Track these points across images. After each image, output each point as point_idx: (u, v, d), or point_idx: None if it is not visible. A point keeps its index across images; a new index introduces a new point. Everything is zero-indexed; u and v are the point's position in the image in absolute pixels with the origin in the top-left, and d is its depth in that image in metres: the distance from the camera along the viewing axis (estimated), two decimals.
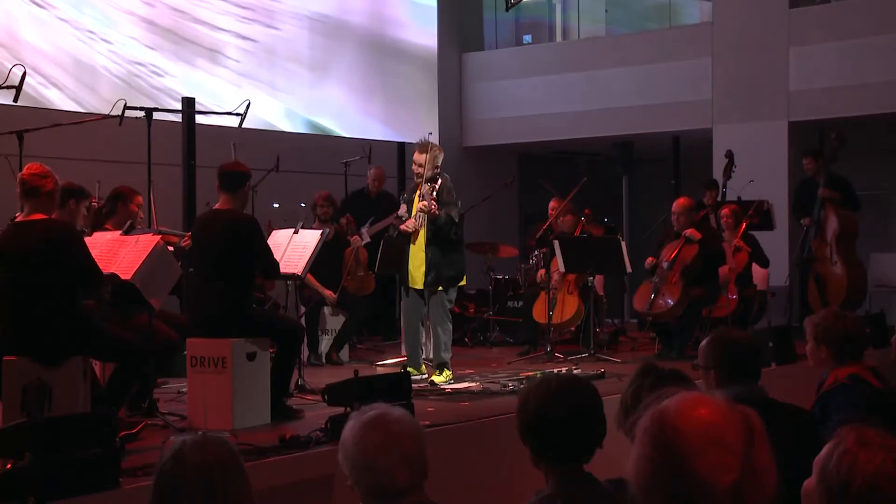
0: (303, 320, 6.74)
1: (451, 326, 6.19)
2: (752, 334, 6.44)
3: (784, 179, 10.12)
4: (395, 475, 2.12)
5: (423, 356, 7.35)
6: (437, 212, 5.90)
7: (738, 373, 3.09)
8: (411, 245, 6.08)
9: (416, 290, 6.11)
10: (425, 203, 5.91)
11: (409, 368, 6.03)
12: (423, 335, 6.42)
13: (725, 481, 1.39)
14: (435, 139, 11.93)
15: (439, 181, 6.02)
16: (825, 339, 3.61)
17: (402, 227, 6.09)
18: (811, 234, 8.12)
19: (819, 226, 8.03)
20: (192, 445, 1.89)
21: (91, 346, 4.32)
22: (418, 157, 6.08)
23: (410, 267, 6.09)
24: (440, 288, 6.04)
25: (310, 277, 6.91)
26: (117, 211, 5.40)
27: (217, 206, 5.06)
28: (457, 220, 6.00)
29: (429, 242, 5.98)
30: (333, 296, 7.26)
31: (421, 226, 6.02)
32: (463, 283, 6.36)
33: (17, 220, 4.47)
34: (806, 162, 8.38)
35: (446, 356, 6.12)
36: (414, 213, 6.04)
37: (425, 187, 6.00)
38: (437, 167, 6.07)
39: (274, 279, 5.13)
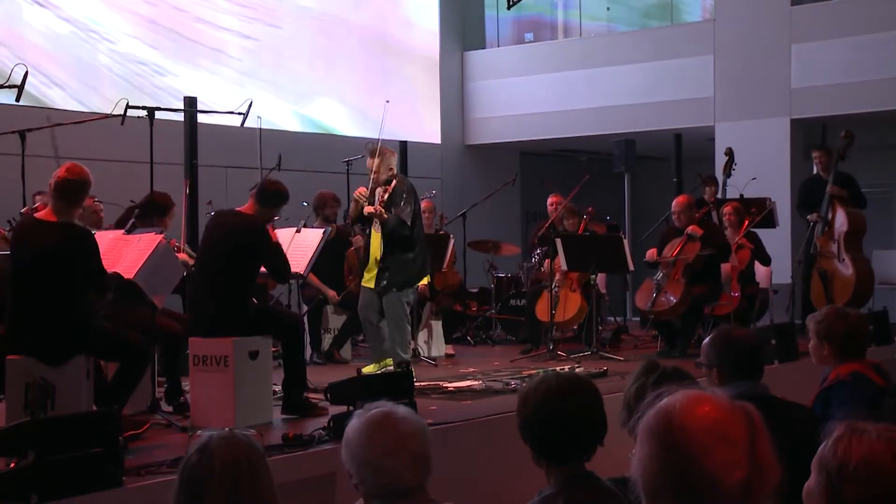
0: (305, 319, 6.73)
1: (409, 327, 6.24)
2: (755, 332, 6.44)
3: (786, 177, 10.10)
4: (401, 476, 2.12)
5: (426, 354, 7.37)
6: (385, 216, 5.91)
7: (741, 371, 3.09)
8: (370, 246, 6.12)
9: (369, 289, 6.14)
10: (372, 208, 5.92)
11: (365, 369, 6.03)
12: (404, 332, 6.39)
13: (735, 478, 1.39)
14: (437, 138, 12.08)
15: (393, 183, 6.03)
16: (827, 337, 3.61)
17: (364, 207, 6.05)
18: (817, 231, 8.10)
19: (827, 223, 8.02)
20: (218, 440, 1.90)
21: (93, 345, 4.32)
22: (370, 163, 6.11)
23: (370, 268, 6.13)
24: (393, 289, 6.09)
25: (312, 276, 6.90)
26: (153, 221, 5.30)
27: (240, 208, 5.07)
28: (408, 222, 6.02)
29: (385, 246, 6.01)
30: (336, 297, 7.24)
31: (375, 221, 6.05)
32: (425, 281, 6.35)
33: (37, 216, 4.45)
34: (818, 155, 8.31)
35: (405, 355, 6.15)
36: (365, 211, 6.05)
37: (378, 191, 6.01)
38: (391, 169, 6.11)
39: (284, 281, 5.11)
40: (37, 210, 4.60)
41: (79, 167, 4.35)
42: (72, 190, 4.26)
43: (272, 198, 4.99)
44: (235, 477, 1.87)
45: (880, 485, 1.45)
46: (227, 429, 1.97)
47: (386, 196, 6.01)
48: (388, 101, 6.76)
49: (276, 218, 5.15)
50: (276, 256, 5.03)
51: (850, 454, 1.47)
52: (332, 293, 7.23)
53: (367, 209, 5.94)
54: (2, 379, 4.36)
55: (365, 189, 6.07)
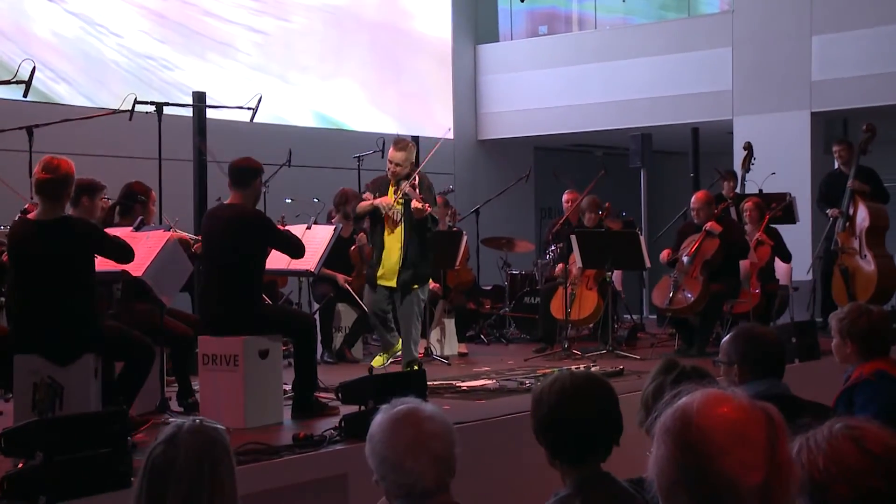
0: (316, 318, 6.66)
1: (420, 326, 6.22)
2: (775, 330, 6.33)
3: (807, 171, 9.97)
4: (422, 477, 2.09)
5: (439, 353, 7.30)
6: (429, 209, 5.87)
7: (763, 369, 3.05)
8: (385, 242, 6.04)
9: (385, 286, 6.06)
10: (419, 204, 5.86)
11: (374, 361, 6.01)
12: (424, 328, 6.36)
13: (752, 481, 1.37)
14: (450, 133, 12.00)
15: (416, 177, 5.98)
16: (850, 334, 3.56)
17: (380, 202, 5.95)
18: (839, 227, 7.97)
19: (848, 218, 7.89)
20: (186, 432, 1.92)
21: (99, 344, 4.28)
22: (395, 156, 6.06)
23: (386, 264, 6.03)
24: (415, 286, 6.03)
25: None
26: (135, 211, 5.27)
27: (227, 201, 5.01)
28: (436, 217, 6.05)
29: (408, 241, 5.96)
30: (347, 279, 7.14)
31: (399, 220, 5.99)
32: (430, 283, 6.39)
33: (30, 216, 4.39)
34: (839, 150, 8.18)
35: (416, 353, 6.13)
36: (394, 205, 5.99)
37: (405, 184, 5.95)
38: (411, 163, 6.11)
39: (302, 254, 5.07)
40: (27, 211, 4.53)
41: (56, 161, 4.24)
42: (54, 187, 4.19)
43: (248, 174, 4.89)
44: (196, 469, 1.88)
45: (858, 473, 1.42)
46: (197, 420, 1.98)
47: (418, 191, 5.97)
48: (450, 129, 6.82)
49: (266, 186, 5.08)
50: (284, 239, 4.97)
51: (815, 460, 1.44)
52: (342, 277, 7.14)
53: (415, 205, 5.88)
54: (8, 378, 4.34)
55: (390, 200, 6.01)
